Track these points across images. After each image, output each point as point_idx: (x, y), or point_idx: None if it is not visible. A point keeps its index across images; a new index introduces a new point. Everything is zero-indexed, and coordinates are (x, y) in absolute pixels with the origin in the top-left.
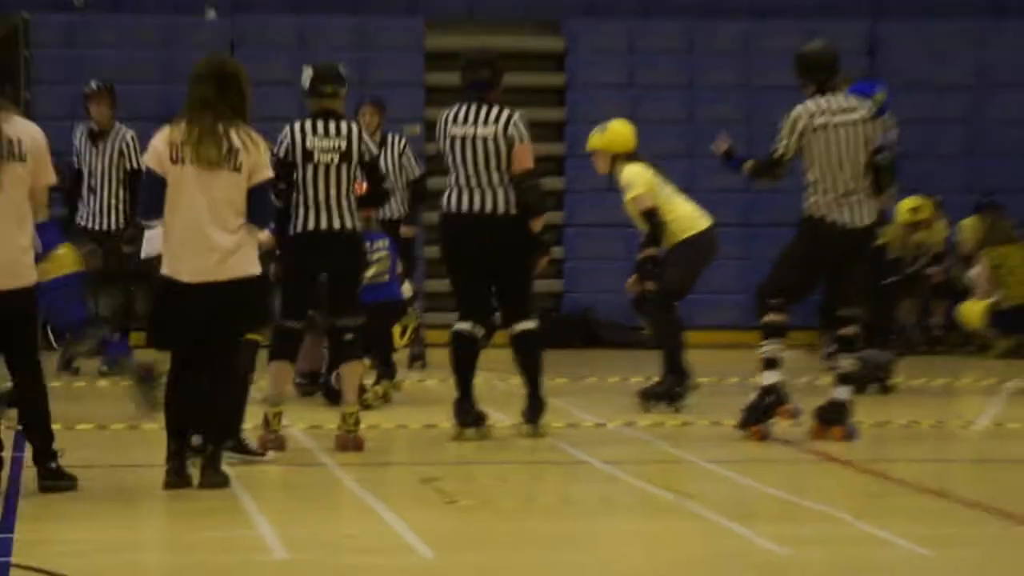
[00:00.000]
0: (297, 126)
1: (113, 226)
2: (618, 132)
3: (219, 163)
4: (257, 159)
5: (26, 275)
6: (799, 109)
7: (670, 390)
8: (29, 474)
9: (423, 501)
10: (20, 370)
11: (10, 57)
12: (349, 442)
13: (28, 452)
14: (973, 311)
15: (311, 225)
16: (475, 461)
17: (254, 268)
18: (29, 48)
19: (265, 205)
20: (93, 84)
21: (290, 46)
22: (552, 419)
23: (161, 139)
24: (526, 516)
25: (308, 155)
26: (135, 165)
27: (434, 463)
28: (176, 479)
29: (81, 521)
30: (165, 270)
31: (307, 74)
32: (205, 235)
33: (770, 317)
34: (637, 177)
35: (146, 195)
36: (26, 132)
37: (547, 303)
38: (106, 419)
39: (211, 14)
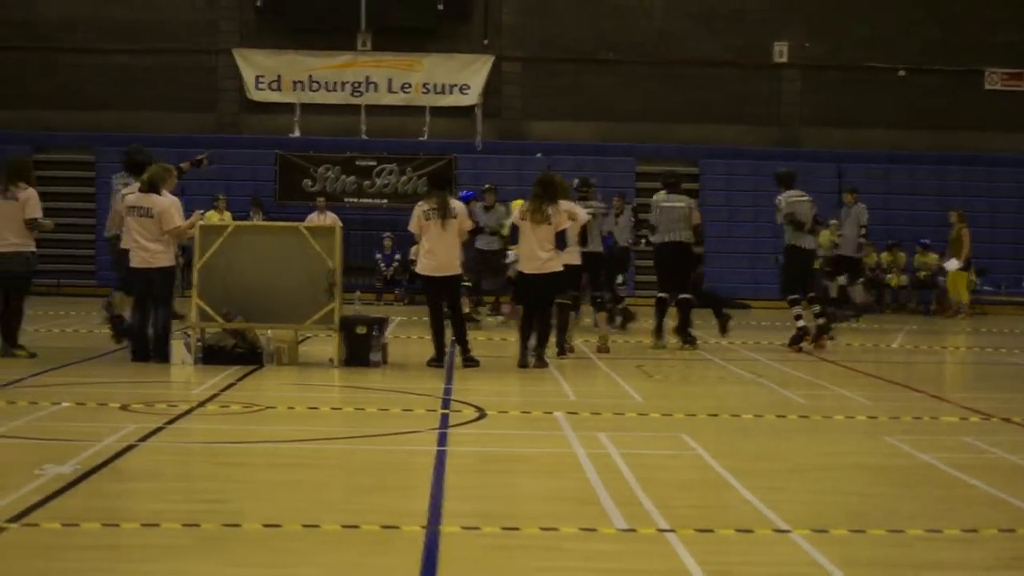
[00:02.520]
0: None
1: None
2: None
3: (541, 222)
4: (558, 220)
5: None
6: None
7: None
8: (458, 360)
9: (637, 375)
10: (453, 313)
11: (449, 174)
12: (602, 348)
13: (457, 350)
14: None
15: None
16: (661, 358)
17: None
18: (457, 169)
19: (561, 240)
20: (487, 184)
21: (576, 172)
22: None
23: (517, 210)
24: (683, 384)
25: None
26: (508, 222)
27: (643, 358)
28: (524, 362)
29: (481, 380)
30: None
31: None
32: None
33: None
34: None
35: (512, 234)
36: (457, 205)
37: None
38: (489, 335)
39: (539, 155)
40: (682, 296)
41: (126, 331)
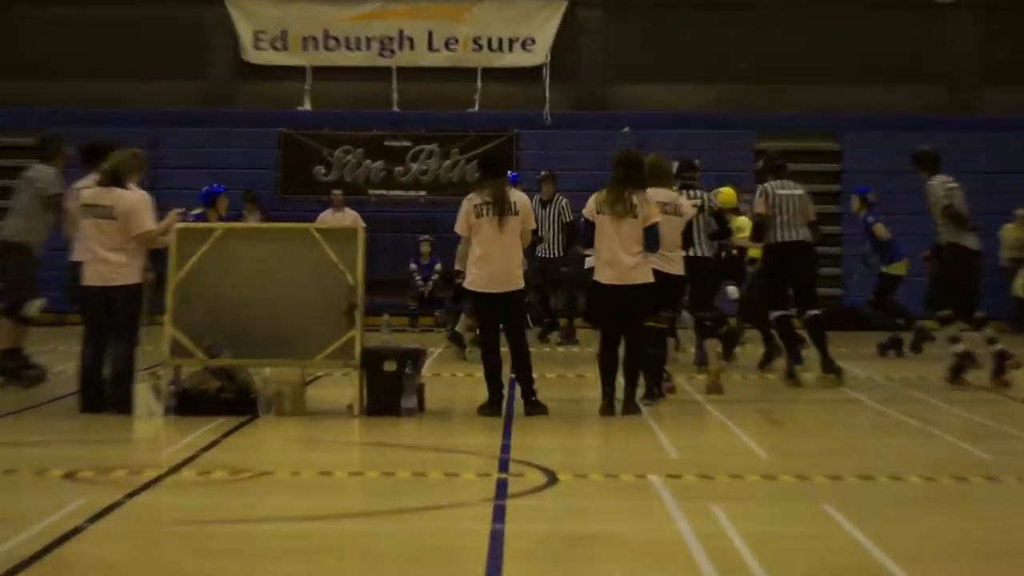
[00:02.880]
0: (674, 192)
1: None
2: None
3: (624, 215)
4: (648, 211)
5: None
6: None
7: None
8: (519, 404)
9: (761, 423)
10: (514, 340)
11: (508, 155)
12: (714, 387)
13: (517, 391)
14: None
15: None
16: (792, 399)
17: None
18: (518, 150)
19: (652, 238)
20: (543, 172)
21: (673, 150)
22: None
23: (592, 200)
24: (824, 435)
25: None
26: (568, 219)
27: (768, 400)
28: (608, 409)
29: (551, 433)
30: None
31: (675, 164)
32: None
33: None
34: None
35: (584, 233)
36: (519, 198)
37: (828, 303)
38: (561, 371)
39: (626, 129)
40: (812, 312)
41: (32, 376)
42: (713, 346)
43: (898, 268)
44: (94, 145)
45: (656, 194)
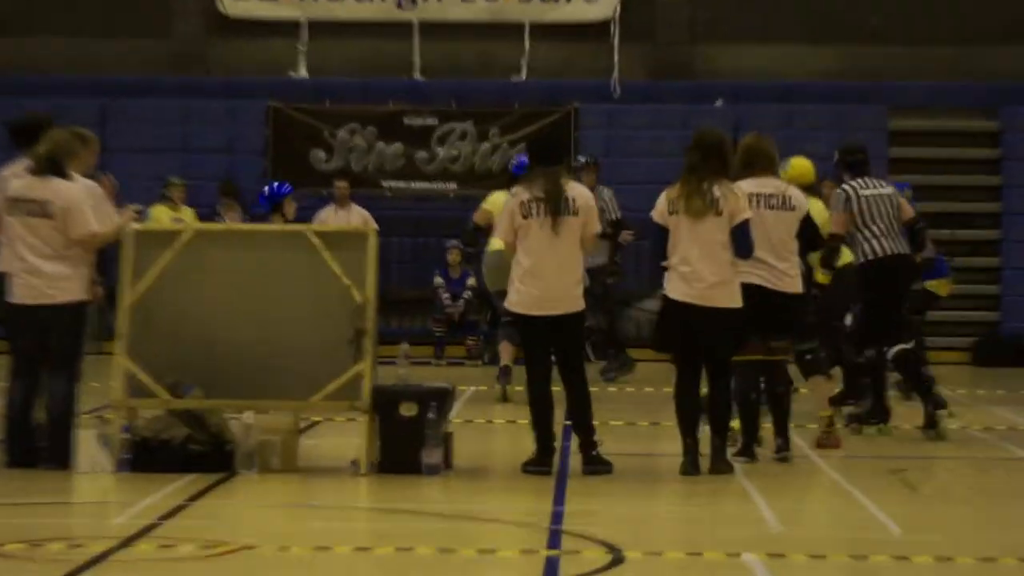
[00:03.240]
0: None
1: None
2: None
3: (704, 212)
4: (735, 205)
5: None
6: None
7: None
8: (575, 460)
9: (890, 488)
10: (571, 378)
11: (566, 137)
12: (826, 440)
13: (573, 442)
14: None
15: None
16: (932, 456)
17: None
18: (578, 130)
19: (745, 240)
20: (582, 159)
21: (779, 128)
22: (993, 423)
23: (663, 197)
24: (973, 503)
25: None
26: (614, 217)
27: (900, 458)
28: (691, 467)
29: (616, 497)
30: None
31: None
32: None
33: None
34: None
35: (654, 241)
36: (579, 193)
37: (983, 329)
38: (630, 416)
39: (719, 102)
40: (901, 348)
41: None
42: (820, 386)
43: None
44: (25, 122)
45: (758, 184)
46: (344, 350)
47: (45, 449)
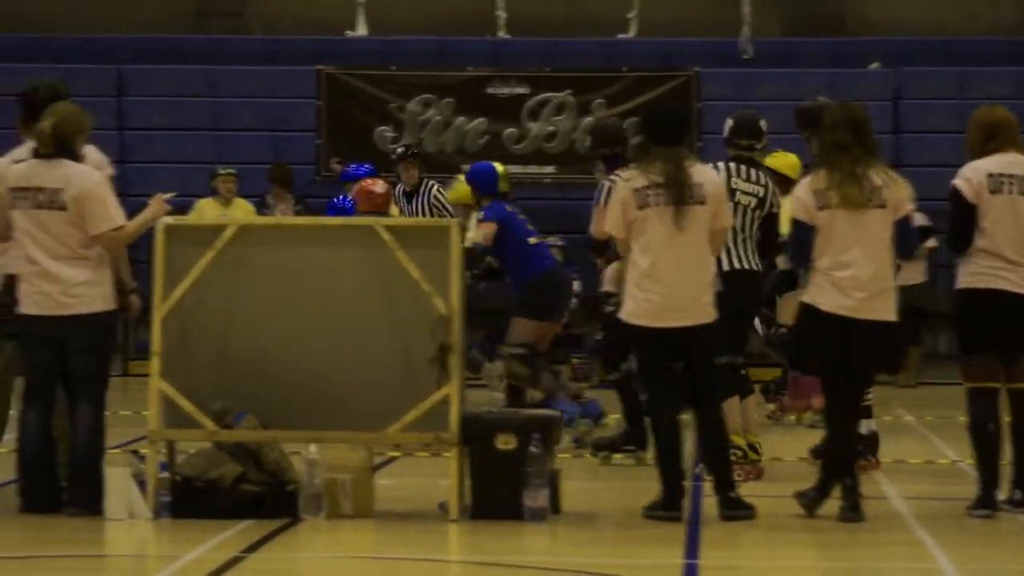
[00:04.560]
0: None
1: None
2: None
3: (864, 203)
4: (898, 194)
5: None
6: None
7: None
8: (709, 503)
9: None
10: (702, 403)
11: (685, 109)
12: None
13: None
14: None
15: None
16: None
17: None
18: (700, 100)
19: (910, 236)
20: None
21: (951, 95)
22: None
23: (805, 187)
24: None
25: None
26: None
27: None
28: (851, 510)
29: (761, 548)
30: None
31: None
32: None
33: None
34: None
35: (796, 244)
36: (707, 178)
37: None
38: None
39: (875, 65)
40: None
41: None
42: None
43: None
44: (41, 93)
45: (1005, 163)
46: (425, 371)
47: (68, 491)
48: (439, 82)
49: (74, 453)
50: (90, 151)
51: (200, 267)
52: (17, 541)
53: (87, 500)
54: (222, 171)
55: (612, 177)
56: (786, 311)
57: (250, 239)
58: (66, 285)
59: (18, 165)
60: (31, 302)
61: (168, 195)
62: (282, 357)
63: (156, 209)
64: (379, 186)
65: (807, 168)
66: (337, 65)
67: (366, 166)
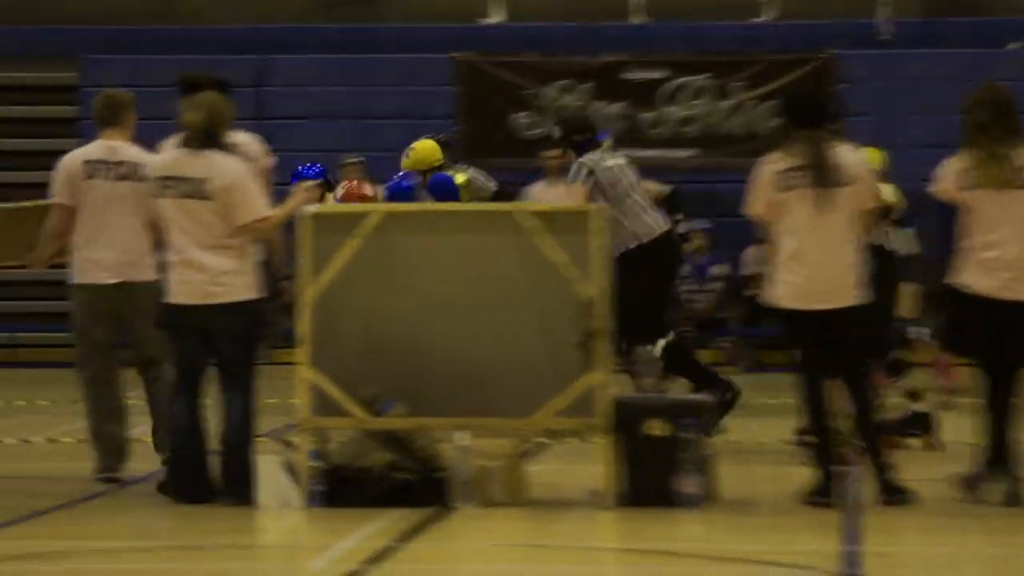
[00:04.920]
0: None
1: None
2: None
3: (1007, 183)
4: None
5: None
6: None
7: None
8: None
9: None
10: (850, 386)
11: (826, 91)
12: None
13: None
14: None
15: None
16: None
17: None
18: (837, 82)
19: None
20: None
21: None
22: None
23: (950, 168)
24: None
25: None
26: None
27: None
28: (1014, 495)
29: (923, 535)
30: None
31: None
32: None
33: None
34: None
35: (947, 224)
36: (850, 159)
37: None
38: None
39: (1015, 45)
40: None
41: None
42: None
43: None
44: (194, 79)
45: None
46: (571, 356)
47: (224, 478)
48: (575, 67)
49: (225, 442)
50: (248, 139)
51: (345, 254)
52: (169, 531)
53: (239, 489)
54: (351, 159)
55: (583, 159)
56: (907, 301)
57: (394, 226)
58: (212, 274)
59: (164, 154)
60: (178, 291)
61: (311, 183)
62: (428, 344)
63: (300, 198)
64: (368, 188)
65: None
66: (472, 52)
67: (317, 166)
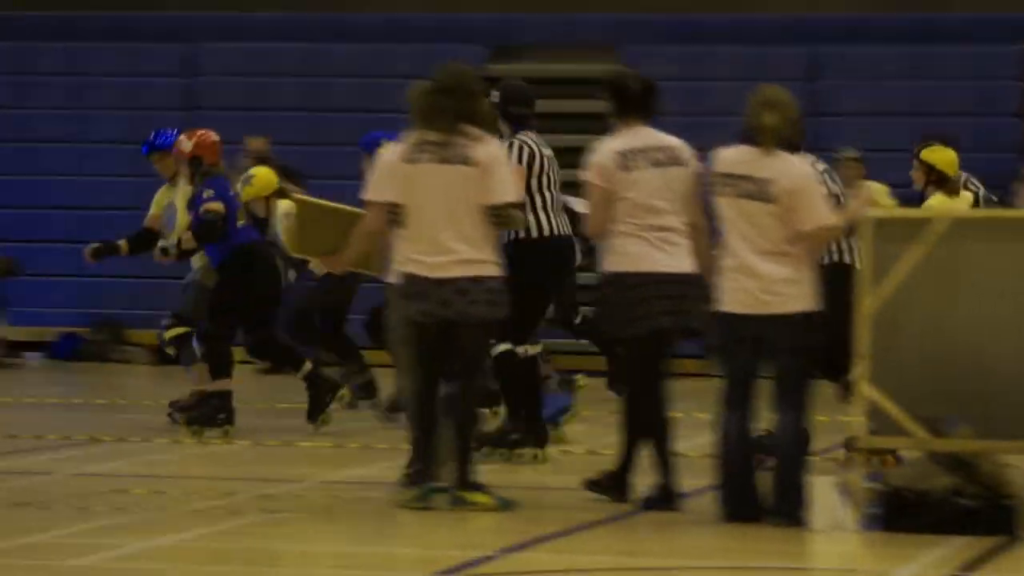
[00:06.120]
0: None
1: None
2: None
3: None
4: None
5: None
6: None
7: None
8: None
9: None
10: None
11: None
12: None
13: None
14: None
15: None
16: None
17: None
18: None
19: None
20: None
21: None
22: None
23: None
24: None
25: None
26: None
27: None
28: None
29: None
30: None
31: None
32: None
33: None
34: None
35: None
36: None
37: None
38: None
39: None
40: None
41: None
42: None
43: None
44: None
45: None
46: None
47: (778, 501)
48: None
49: (778, 460)
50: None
51: (908, 263)
52: (716, 549)
53: (790, 509)
54: (845, 155)
55: (520, 139)
56: None
57: (963, 232)
58: (767, 282)
59: (729, 150)
60: (732, 299)
61: (880, 186)
62: (997, 361)
63: (860, 203)
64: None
65: None
66: None
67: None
